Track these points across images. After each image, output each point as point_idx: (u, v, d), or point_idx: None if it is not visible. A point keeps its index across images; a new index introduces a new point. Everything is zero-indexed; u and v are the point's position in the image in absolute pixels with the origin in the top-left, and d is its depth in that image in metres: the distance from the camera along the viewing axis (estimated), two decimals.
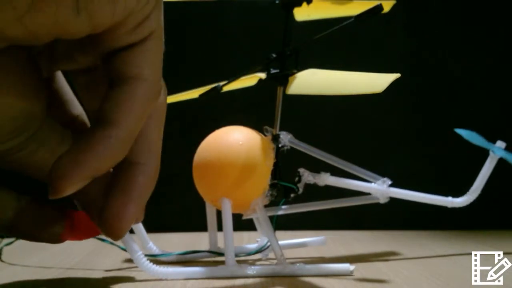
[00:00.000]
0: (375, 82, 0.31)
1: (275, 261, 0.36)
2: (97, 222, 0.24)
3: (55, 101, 0.25)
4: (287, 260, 0.35)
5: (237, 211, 0.37)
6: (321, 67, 0.35)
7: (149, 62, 0.20)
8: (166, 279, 0.34)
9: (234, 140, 0.35)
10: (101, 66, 0.21)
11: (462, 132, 0.41)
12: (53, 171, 0.19)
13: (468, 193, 0.42)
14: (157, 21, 0.20)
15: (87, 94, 0.24)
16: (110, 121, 0.20)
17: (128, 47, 0.20)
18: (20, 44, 0.19)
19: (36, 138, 0.21)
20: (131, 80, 0.20)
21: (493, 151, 0.41)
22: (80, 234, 0.28)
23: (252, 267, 0.35)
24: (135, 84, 0.20)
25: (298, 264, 0.35)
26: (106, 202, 0.22)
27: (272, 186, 0.36)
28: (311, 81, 0.35)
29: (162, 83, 0.23)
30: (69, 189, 0.19)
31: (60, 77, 0.25)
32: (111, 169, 0.23)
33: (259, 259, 0.40)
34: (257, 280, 0.34)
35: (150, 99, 0.21)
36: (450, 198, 0.42)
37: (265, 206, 0.37)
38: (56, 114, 0.24)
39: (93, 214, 0.24)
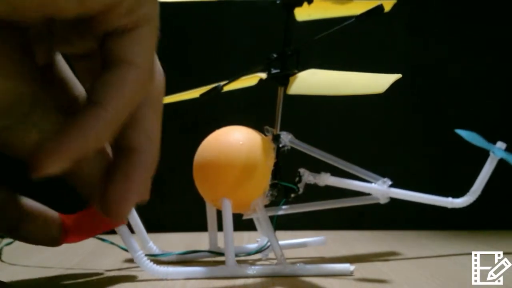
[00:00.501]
0: (376, 82, 0.31)
1: (275, 261, 0.36)
2: (98, 207, 0.24)
3: (56, 83, 0.25)
4: (287, 260, 0.35)
5: (237, 211, 0.37)
6: (322, 67, 0.35)
7: (141, 48, 0.21)
8: (166, 279, 0.34)
9: (235, 140, 0.35)
10: (99, 51, 0.21)
11: (463, 132, 0.41)
12: (36, 149, 0.19)
13: (468, 193, 0.42)
14: (151, 8, 0.20)
15: (88, 79, 0.24)
16: (98, 102, 0.20)
17: (122, 32, 0.20)
18: (6, 20, 0.18)
19: (27, 121, 0.21)
20: (123, 64, 0.20)
21: (493, 152, 0.41)
22: (78, 236, 0.29)
23: (252, 267, 0.35)
24: (126, 69, 0.20)
25: (298, 264, 0.35)
26: (107, 188, 0.22)
27: (272, 186, 0.36)
28: (312, 81, 0.35)
29: (160, 69, 0.23)
30: (51, 168, 0.19)
31: (60, 59, 0.25)
32: (111, 156, 0.23)
33: (259, 259, 0.41)
34: (257, 280, 0.34)
35: (140, 85, 0.21)
36: (450, 199, 0.42)
37: (265, 206, 0.37)
38: (57, 96, 0.24)
39: (94, 199, 0.24)
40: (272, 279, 0.34)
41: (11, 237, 0.33)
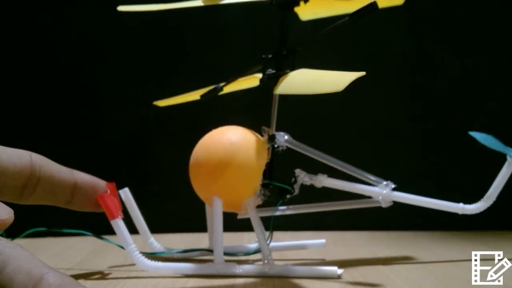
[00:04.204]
0: (336, 81, 0.30)
1: (278, 262, 0.36)
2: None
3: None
4: (289, 260, 0.35)
5: (230, 210, 0.37)
6: (320, 67, 0.35)
7: None
8: (156, 274, 0.34)
9: (226, 140, 0.35)
10: None
11: (477, 135, 0.38)
12: None
13: (482, 199, 0.39)
14: None
15: None
16: None
17: None
18: None
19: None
20: None
21: (510, 156, 0.38)
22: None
23: (240, 266, 0.35)
24: None
25: (285, 265, 0.35)
26: None
27: (264, 186, 0.36)
28: (295, 80, 0.34)
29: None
30: None
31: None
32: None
33: (259, 259, 0.41)
34: (258, 279, 0.34)
35: None
36: (461, 205, 0.39)
37: (263, 206, 0.37)
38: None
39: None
40: (274, 279, 0.34)
41: (68, 208, 0.36)
